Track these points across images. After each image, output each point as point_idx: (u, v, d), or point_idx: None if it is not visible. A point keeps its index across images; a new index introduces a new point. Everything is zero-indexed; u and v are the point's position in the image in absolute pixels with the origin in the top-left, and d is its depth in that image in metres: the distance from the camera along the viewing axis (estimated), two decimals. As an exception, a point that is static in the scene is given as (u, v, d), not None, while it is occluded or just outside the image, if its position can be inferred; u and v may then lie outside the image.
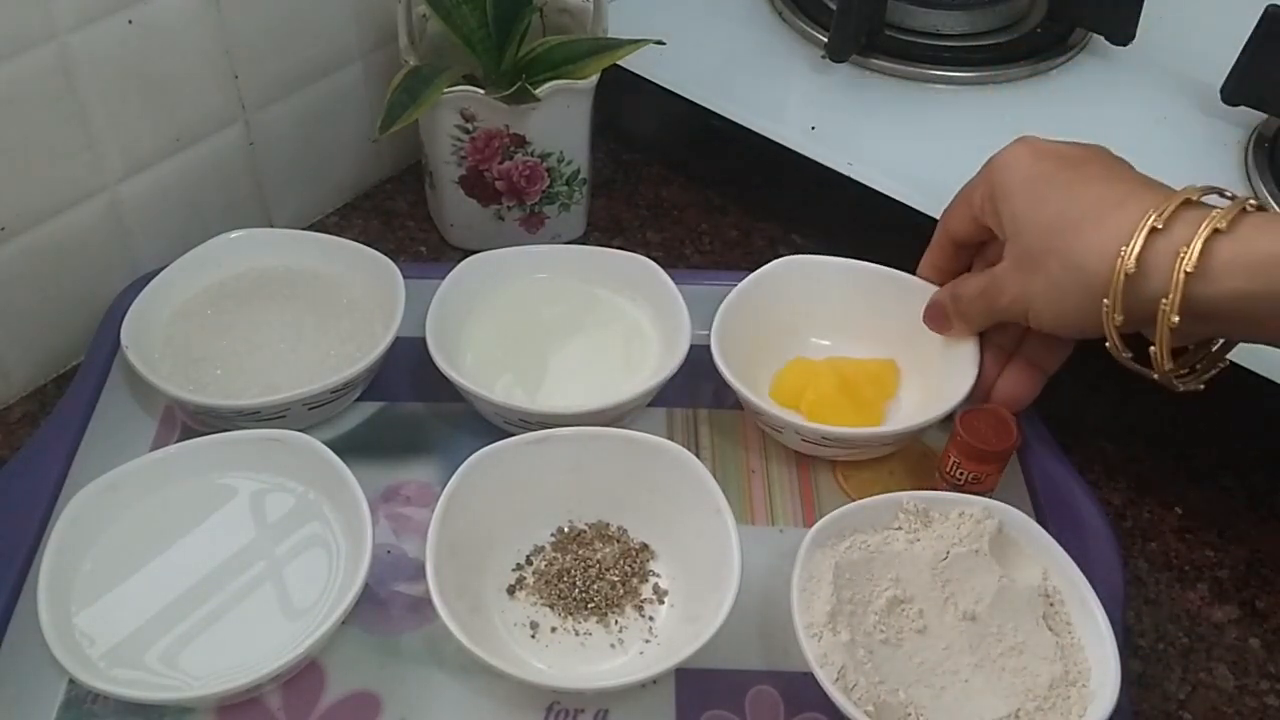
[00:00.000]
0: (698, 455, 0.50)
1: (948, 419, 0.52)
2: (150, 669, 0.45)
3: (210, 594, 0.48)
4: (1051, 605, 0.47)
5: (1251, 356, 0.53)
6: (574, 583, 0.49)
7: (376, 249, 0.59)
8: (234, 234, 0.59)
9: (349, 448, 0.52)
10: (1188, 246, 0.40)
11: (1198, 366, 0.46)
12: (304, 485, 0.51)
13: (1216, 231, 0.40)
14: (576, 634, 0.48)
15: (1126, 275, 0.41)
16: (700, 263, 0.69)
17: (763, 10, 0.77)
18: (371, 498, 0.49)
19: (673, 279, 0.58)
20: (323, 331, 0.57)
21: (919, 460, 0.55)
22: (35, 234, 0.57)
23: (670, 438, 0.53)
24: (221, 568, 0.48)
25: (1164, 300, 0.41)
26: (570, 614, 0.48)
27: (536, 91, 0.59)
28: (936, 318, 0.54)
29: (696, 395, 0.58)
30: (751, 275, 0.58)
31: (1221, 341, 0.47)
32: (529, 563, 0.50)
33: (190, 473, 0.50)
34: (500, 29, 0.61)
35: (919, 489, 0.50)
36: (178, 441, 0.52)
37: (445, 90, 0.59)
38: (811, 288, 0.59)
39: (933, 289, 0.56)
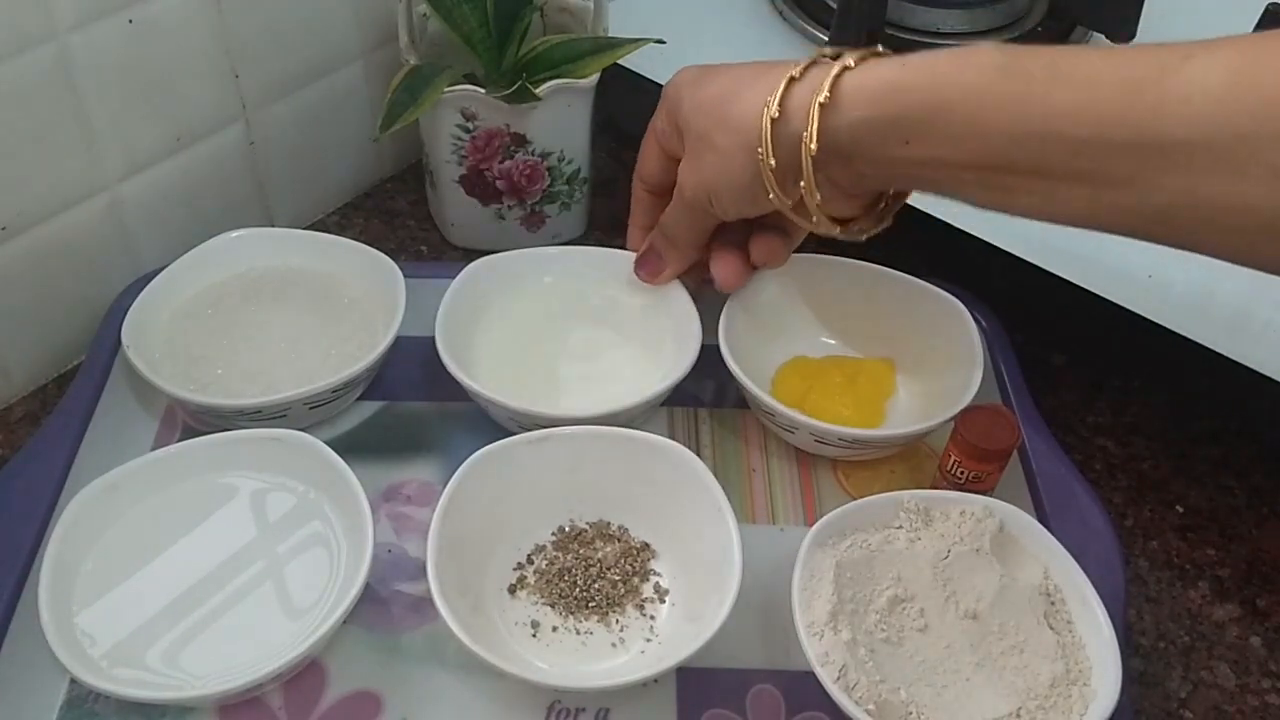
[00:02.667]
0: (699, 454, 0.50)
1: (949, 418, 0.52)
2: (151, 668, 0.45)
3: (211, 593, 0.48)
4: (1053, 604, 0.47)
5: (1253, 354, 0.53)
6: (575, 582, 0.49)
7: (377, 248, 0.59)
8: (235, 233, 0.59)
9: (350, 447, 0.52)
10: (823, 84, 0.44)
11: (863, 226, 0.50)
12: (305, 484, 0.51)
13: (846, 69, 0.44)
14: (578, 633, 0.48)
15: (772, 121, 0.45)
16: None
17: (763, 9, 0.77)
18: (372, 497, 0.49)
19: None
20: (323, 331, 0.57)
21: (920, 459, 0.55)
22: (36, 233, 0.57)
23: (671, 436, 0.53)
24: (222, 567, 0.48)
25: (804, 133, 0.44)
26: (571, 613, 0.48)
27: (537, 91, 0.59)
28: (649, 262, 0.56)
29: (698, 394, 0.58)
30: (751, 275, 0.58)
31: (883, 204, 0.50)
32: (530, 562, 0.50)
33: (191, 472, 0.50)
34: (500, 28, 0.61)
35: (920, 488, 0.50)
36: (179, 441, 0.52)
37: (445, 90, 0.59)
38: (811, 287, 0.59)
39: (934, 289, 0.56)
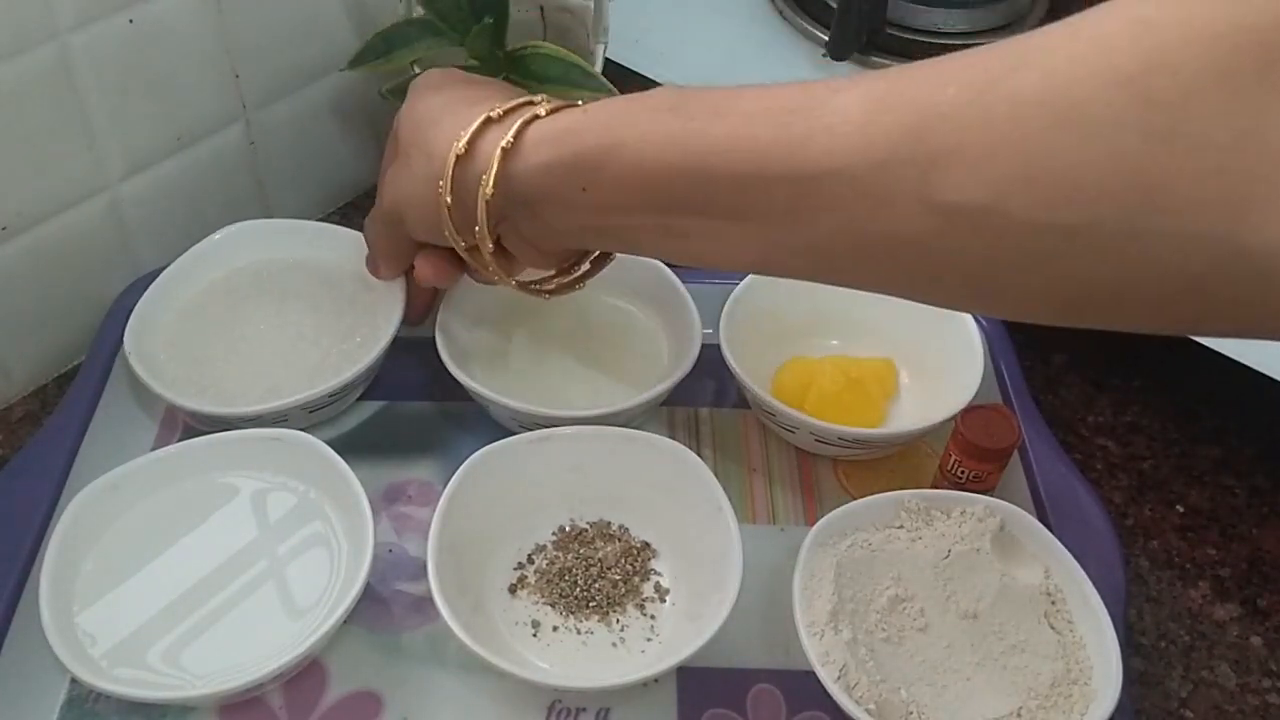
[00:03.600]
0: (699, 454, 0.50)
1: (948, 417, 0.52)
2: (152, 668, 0.45)
3: (212, 593, 0.48)
4: (1053, 603, 0.47)
5: (1253, 354, 0.53)
6: (575, 581, 0.49)
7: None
8: (234, 227, 0.59)
9: (350, 447, 0.52)
10: (510, 129, 0.43)
11: (551, 286, 0.50)
12: (305, 484, 0.51)
13: (536, 117, 0.43)
14: (578, 633, 0.48)
15: (457, 157, 0.44)
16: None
17: (764, 8, 0.77)
18: (373, 497, 0.49)
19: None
20: (324, 328, 0.57)
21: (920, 459, 0.55)
22: (36, 233, 0.57)
23: (672, 436, 0.53)
24: (223, 567, 0.48)
25: (484, 176, 0.43)
26: (572, 613, 0.48)
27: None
28: (369, 263, 0.55)
29: (698, 394, 0.58)
30: (752, 274, 0.58)
31: (581, 267, 0.50)
32: (530, 561, 0.50)
33: (192, 472, 0.50)
34: (477, 6, 0.60)
35: (920, 488, 0.50)
36: (179, 441, 0.52)
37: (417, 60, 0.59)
38: (812, 287, 0.59)
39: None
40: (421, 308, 0.57)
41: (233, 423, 0.52)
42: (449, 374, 0.53)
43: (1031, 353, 0.62)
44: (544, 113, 0.43)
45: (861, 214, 0.34)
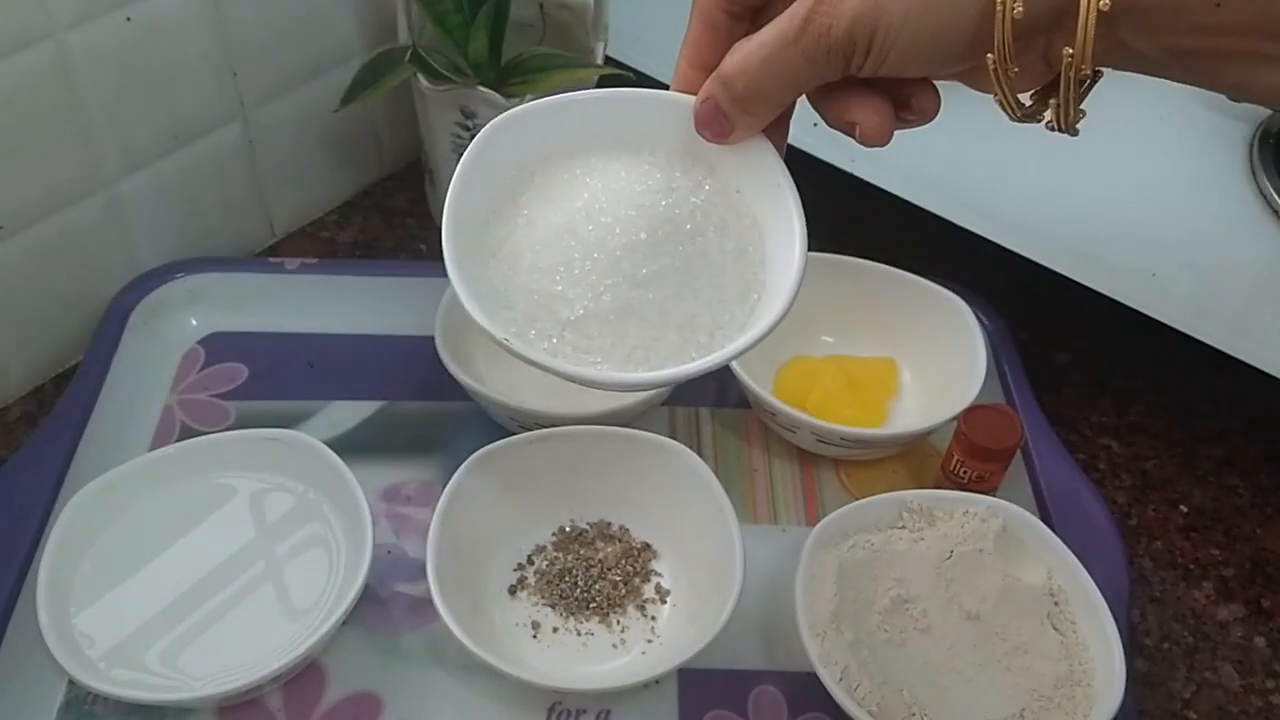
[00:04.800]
0: (700, 454, 0.50)
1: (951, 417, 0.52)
2: (150, 669, 0.45)
3: (210, 594, 0.47)
4: (1056, 604, 0.46)
5: (1257, 355, 0.53)
6: (576, 582, 0.49)
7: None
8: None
9: (349, 447, 0.52)
10: None
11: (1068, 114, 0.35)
12: (304, 485, 0.50)
13: None
14: (578, 634, 0.48)
15: None
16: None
17: (764, 7, 0.77)
18: (372, 497, 0.49)
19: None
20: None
21: (922, 459, 0.55)
22: (34, 232, 0.57)
23: (673, 436, 0.53)
24: (221, 567, 0.48)
25: None
26: (572, 614, 0.48)
27: (538, 88, 0.59)
28: (714, 122, 0.37)
29: (699, 394, 0.57)
30: None
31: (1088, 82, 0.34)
32: (530, 562, 0.50)
33: (190, 472, 0.50)
34: (473, 6, 0.60)
35: (922, 488, 0.50)
36: (177, 441, 0.52)
37: (443, 87, 0.58)
38: (813, 286, 0.58)
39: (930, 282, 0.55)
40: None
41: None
42: (449, 374, 0.53)
43: (1034, 352, 0.61)
44: None
45: None
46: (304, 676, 0.46)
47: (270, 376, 0.58)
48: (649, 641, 0.48)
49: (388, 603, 0.49)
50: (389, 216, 0.72)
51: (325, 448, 0.49)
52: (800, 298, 0.58)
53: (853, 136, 0.36)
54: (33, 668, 0.45)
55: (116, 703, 0.44)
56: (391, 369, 0.57)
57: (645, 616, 0.48)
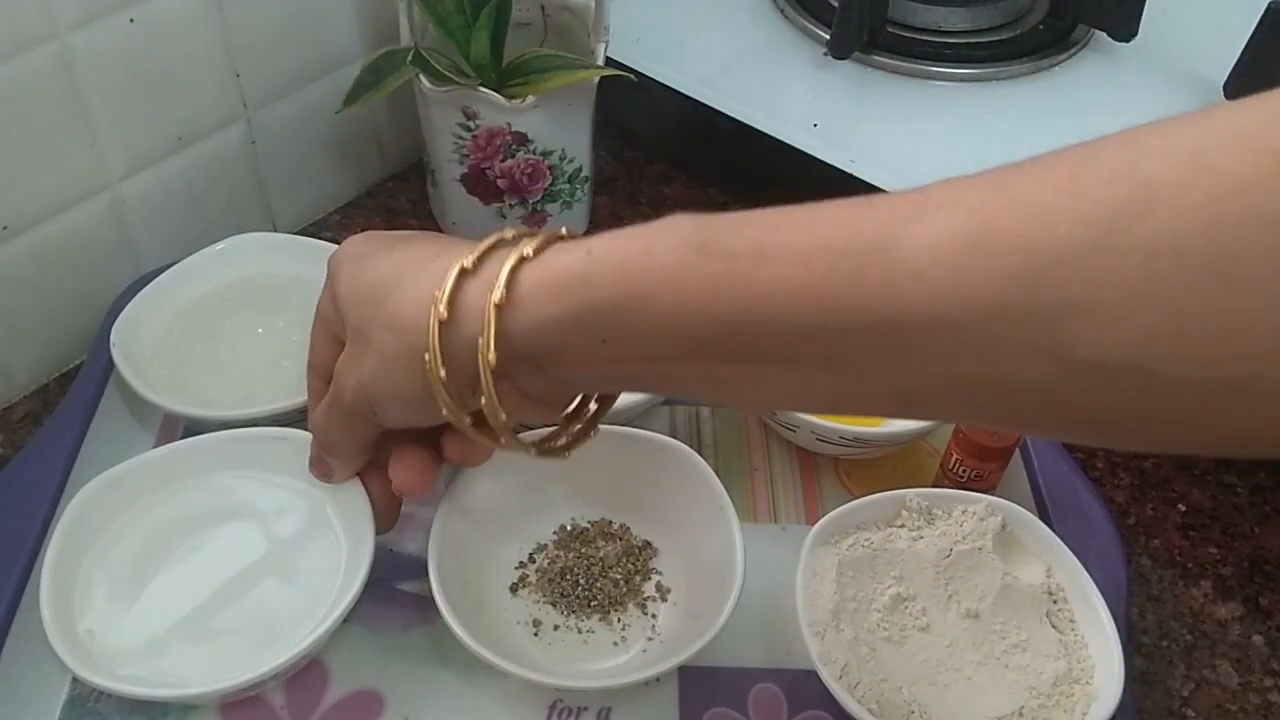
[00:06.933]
0: (700, 452, 0.50)
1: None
2: (153, 666, 0.45)
3: (213, 591, 0.47)
4: (1055, 602, 0.47)
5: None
6: (577, 580, 0.49)
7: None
8: (238, 238, 0.60)
9: (351, 446, 0.52)
10: (498, 280, 0.36)
11: (564, 440, 0.43)
12: (307, 483, 0.50)
13: (523, 259, 0.36)
14: (579, 632, 0.48)
15: (440, 323, 0.37)
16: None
17: (765, 7, 0.77)
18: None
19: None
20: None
21: (921, 458, 0.55)
22: (37, 233, 0.57)
23: (673, 435, 0.53)
24: (225, 565, 0.48)
25: (480, 340, 0.36)
26: (573, 612, 0.48)
27: (539, 89, 0.59)
28: (319, 467, 0.48)
29: (699, 393, 0.58)
30: None
31: (593, 410, 0.43)
32: (531, 560, 0.50)
33: (193, 470, 0.50)
34: (475, 8, 0.60)
35: (921, 486, 0.50)
36: (180, 439, 0.52)
37: (444, 88, 0.59)
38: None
39: None
40: (393, 513, 0.49)
41: (206, 425, 0.52)
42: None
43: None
44: (529, 252, 0.36)
45: (968, 362, 0.30)
46: (306, 674, 0.46)
47: (273, 376, 0.58)
48: (649, 639, 0.48)
49: (389, 600, 0.49)
50: (391, 217, 0.72)
51: (328, 446, 0.49)
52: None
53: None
54: (36, 665, 0.46)
55: (119, 699, 0.45)
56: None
57: (646, 614, 0.49)
